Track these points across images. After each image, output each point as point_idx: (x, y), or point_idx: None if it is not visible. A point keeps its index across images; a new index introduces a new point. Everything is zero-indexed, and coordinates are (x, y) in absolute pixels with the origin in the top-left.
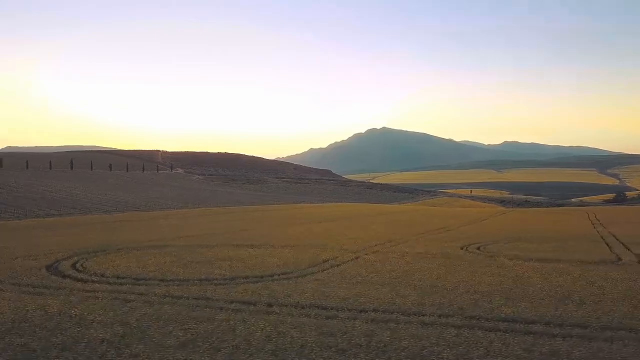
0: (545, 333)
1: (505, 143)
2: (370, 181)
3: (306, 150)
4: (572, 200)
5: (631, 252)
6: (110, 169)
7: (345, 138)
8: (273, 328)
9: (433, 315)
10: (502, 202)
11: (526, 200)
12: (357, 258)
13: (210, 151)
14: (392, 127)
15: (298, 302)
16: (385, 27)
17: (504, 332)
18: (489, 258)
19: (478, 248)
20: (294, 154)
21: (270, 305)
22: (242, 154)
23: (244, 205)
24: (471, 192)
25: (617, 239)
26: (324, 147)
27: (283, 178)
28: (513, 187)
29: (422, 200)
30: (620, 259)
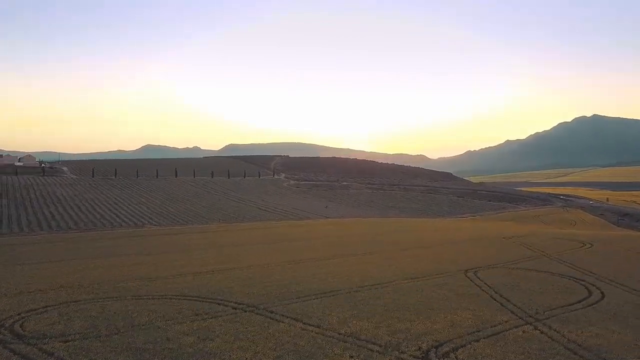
0: None
1: None
2: (481, 182)
3: (502, 142)
4: None
5: None
6: (212, 176)
7: (548, 128)
8: None
9: None
10: (625, 215)
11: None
12: None
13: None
14: (605, 115)
15: None
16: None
17: None
18: None
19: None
20: (487, 146)
21: None
22: (353, 158)
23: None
24: (607, 200)
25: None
26: (522, 138)
27: (373, 184)
28: None
29: (521, 210)
30: None
